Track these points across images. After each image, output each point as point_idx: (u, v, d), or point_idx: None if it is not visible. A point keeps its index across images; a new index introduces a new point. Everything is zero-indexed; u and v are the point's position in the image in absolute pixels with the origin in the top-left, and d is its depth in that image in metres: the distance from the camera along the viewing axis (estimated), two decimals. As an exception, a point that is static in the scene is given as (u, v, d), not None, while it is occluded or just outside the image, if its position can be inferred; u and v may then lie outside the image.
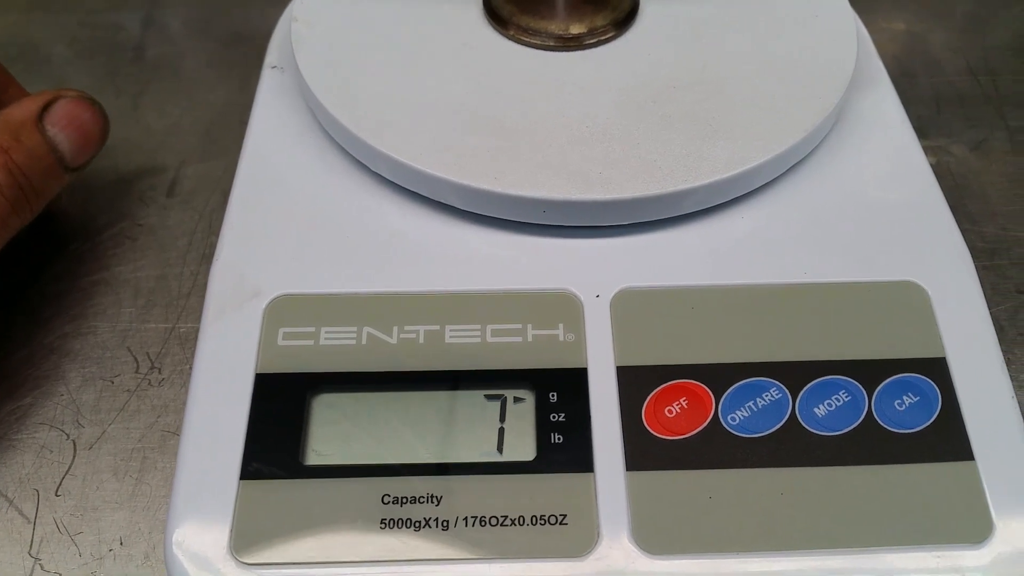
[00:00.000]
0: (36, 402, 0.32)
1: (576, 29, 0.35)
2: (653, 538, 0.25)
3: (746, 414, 0.27)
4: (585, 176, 0.30)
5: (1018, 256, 0.37)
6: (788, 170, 0.32)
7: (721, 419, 0.27)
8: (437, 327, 0.29)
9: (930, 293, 0.30)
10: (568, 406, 0.27)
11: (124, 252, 0.36)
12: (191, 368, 0.29)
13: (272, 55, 0.37)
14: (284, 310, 0.29)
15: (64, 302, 0.35)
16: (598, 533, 0.25)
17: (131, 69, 0.45)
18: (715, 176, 0.30)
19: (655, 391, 0.28)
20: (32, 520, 0.29)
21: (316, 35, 0.35)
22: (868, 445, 0.27)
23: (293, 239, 0.30)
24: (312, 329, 0.29)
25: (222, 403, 0.27)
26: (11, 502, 0.29)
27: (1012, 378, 0.29)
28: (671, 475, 0.26)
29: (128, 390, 0.32)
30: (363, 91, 0.33)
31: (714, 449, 0.26)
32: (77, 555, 0.28)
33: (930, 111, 0.44)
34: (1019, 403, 0.31)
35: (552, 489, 0.26)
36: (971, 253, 0.31)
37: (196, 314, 0.34)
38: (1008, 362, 0.32)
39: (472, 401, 0.28)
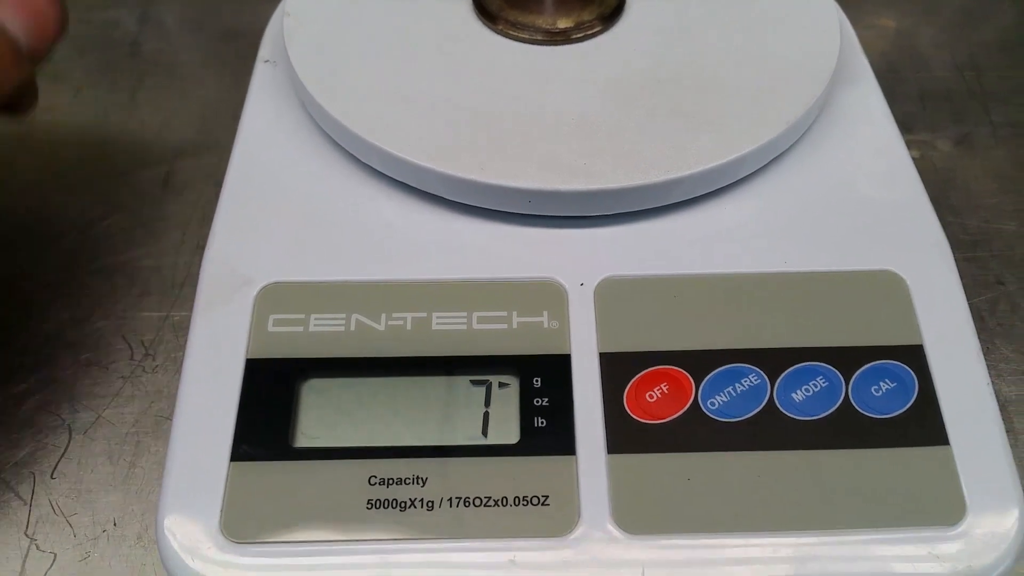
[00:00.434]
0: (33, 388, 0.32)
1: (564, 24, 0.36)
2: (632, 519, 0.26)
3: (725, 399, 0.28)
4: (570, 167, 0.31)
5: (999, 248, 0.37)
6: (771, 161, 0.33)
7: (701, 404, 0.28)
8: (424, 314, 0.29)
9: (908, 282, 0.30)
10: (552, 391, 0.28)
11: (119, 243, 0.37)
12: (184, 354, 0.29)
13: (265, 49, 0.38)
14: (274, 298, 0.29)
15: (60, 291, 0.35)
16: (579, 514, 0.26)
17: (127, 64, 0.46)
18: (698, 167, 0.31)
19: (637, 376, 0.28)
20: (28, 502, 0.30)
21: (308, 30, 0.35)
22: (845, 430, 0.27)
23: (283, 229, 0.31)
24: (302, 316, 0.29)
25: (213, 388, 0.28)
26: (7, 484, 0.30)
27: (991, 367, 0.30)
28: (651, 458, 0.27)
29: (123, 376, 0.33)
30: (353, 84, 0.33)
31: (693, 433, 0.27)
32: (72, 536, 0.29)
33: (916, 106, 0.45)
34: (998, 391, 0.32)
35: (535, 471, 0.27)
36: (954, 245, 0.31)
37: (190, 303, 0.34)
38: (987, 351, 0.32)
39: (458, 386, 0.28)
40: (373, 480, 0.26)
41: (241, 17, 0.48)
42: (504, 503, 0.26)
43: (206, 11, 0.49)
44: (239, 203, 0.32)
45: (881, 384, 0.28)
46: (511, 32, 0.35)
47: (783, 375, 0.28)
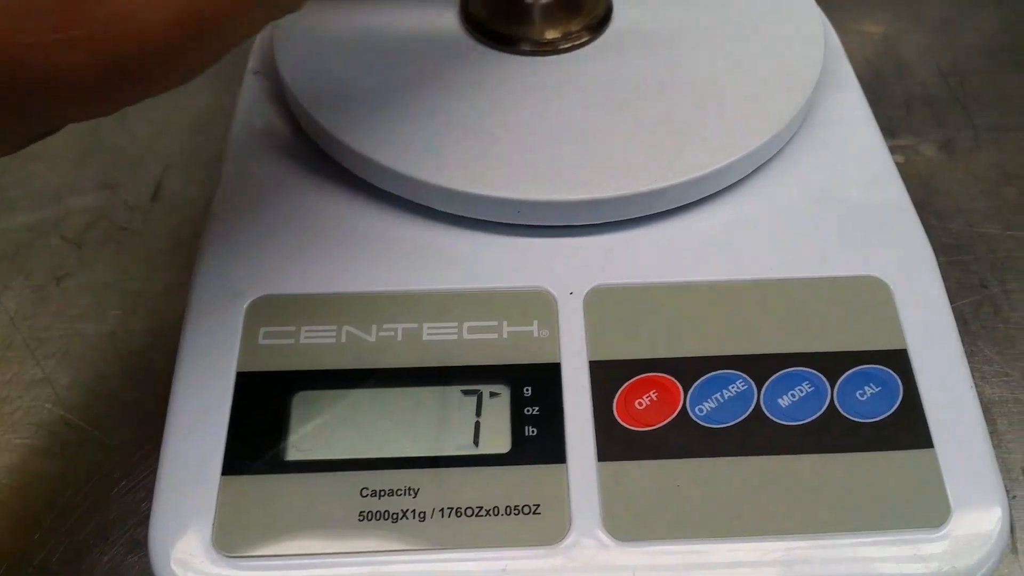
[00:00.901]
0: (24, 404, 0.32)
1: (551, 35, 0.36)
2: (623, 526, 0.26)
3: (713, 405, 0.28)
4: (559, 177, 0.31)
5: (982, 252, 0.38)
6: (756, 169, 0.33)
7: (689, 410, 0.28)
8: (415, 325, 0.30)
9: (892, 288, 0.30)
10: (542, 400, 0.28)
11: (110, 256, 0.37)
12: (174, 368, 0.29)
13: (254, 60, 0.38)
14: (265, 310, 0.30)
15: (49, 305, 0.35)
16: (570, 522, 0.26)
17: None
18: (684, 176, 0.31)
19: (626, 384, 0.28)
20: (21, 518, 0.30)
21: (296, 40, 0.36)
22: (830, 434, 0.28)
23: (274, 241, 0.31)
24: (292, 328, 0.29)
25: (204, 401, 0.28)
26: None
27: (975, 369, 0.30)
28: (641, 465, 0.27)
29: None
30: (343, 95, 0.33)
31: (682, 439, 0.27)
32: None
33: (900, 112, 0.45)
34: (982, 393, 0.32)
35: (526, 480, 0.27)
36: (937, 249, 0.32)
37: (181, 316, 0.35)
38: (971, 354, 0.33)
39: (449, 396, 0.28)
40: (365, 492, 0.27)
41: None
42: (496, 512, 0.26)
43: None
44: (229, 215, 0.32)
45: (866, 388, 0.28)
46: (498, 44, 0.36)
47: (769, 381, 0.28)
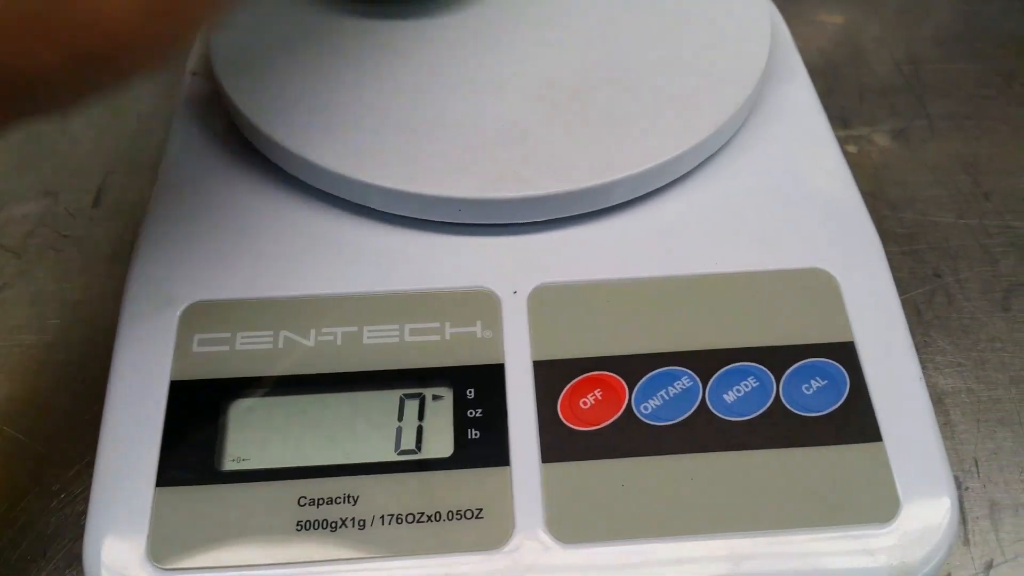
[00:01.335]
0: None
1: None
2: (567, 527, 0.26)
3: (658, 403, 0.27)
4: (500, 174, 0.30)
5: (935, 240, 0.38)
6: (702, 163, 0.33)
7: (634, 408, 0.27)
8: (355, 328, 0.29)
9: (838, 279, 0.30)
10: (486, 402, 0.28)
11: (50, 264, 0.36)
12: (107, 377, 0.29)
13: (192, 62, 0.37)
14: (199, 317, 0.29)
15: (-12, 315, 0.35)
16: (513, 525, 0.26)
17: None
18: (627, 171, 0.31)
19: (570, 384, 0.28)
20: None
21: (233, 41, 0.35)
22: (777, 429, 0.27)
23: (209, 245, 0.31)
24: (228, 335, 0.29)
25: (137, 411, 0.27)
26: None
27: (928, 360, 0.30)
28: (585, 465, 0.27)
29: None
30: (278, 95, 0.33)
31: (627, 438, 0.27)
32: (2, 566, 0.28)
33: (854, 101, 0.45)
34: (935, 383, 0.32)
35: (469, 484, 0.26)
36: (890, 238, 0.31)
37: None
38: (924, 344, 0.32)
39: (391, 400, 0.28)
40: (303, 500, 0.26)
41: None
42: (437, 518, 0.26)
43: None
44: (164, 219, 0.31)
45: (812, 382, 0.28)
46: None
47: (715, 377, 0.28)
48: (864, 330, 0.29)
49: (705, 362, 0.28)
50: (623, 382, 0.28)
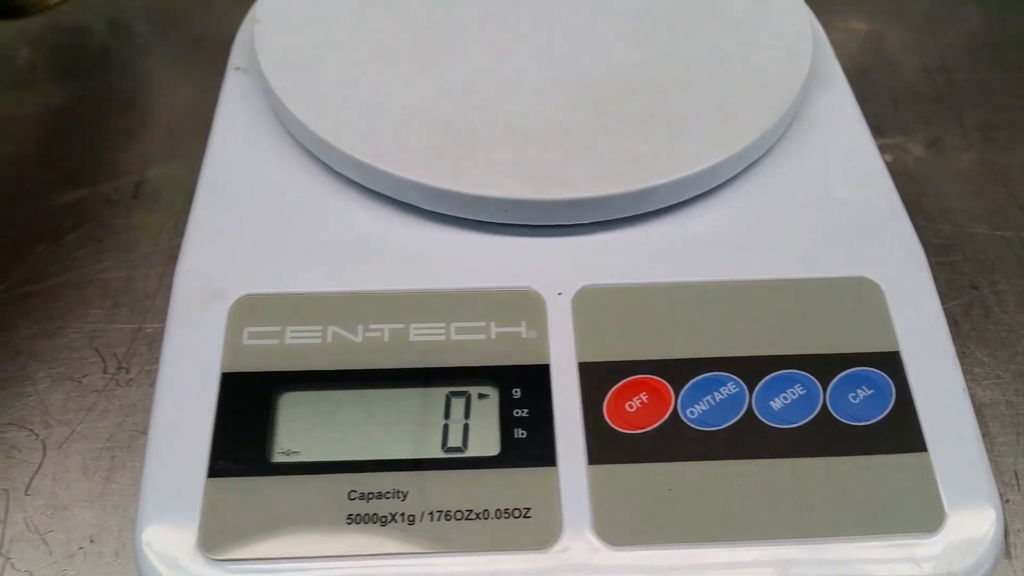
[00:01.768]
0: (4, 402, 0.32)
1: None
2: (614, 530, 0.26)
3: (704, 408, 0.28)
4: (547, 176, 0.31)
5: (971, 252, 0.38)
6: (745, 168, 0.33)
7: (680, 413, 0.28)
8: (402, 325, 0.29)
9: (884, 289, 0.30)
10: (531, 402, 0.28)
11: (90, 253, 0.36)
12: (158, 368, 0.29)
13: (236, 57, 0.37)
14: (249, 310, 0.29)
15: (29, 304, 0.35)
16: (561, 526, 0.26)
17: (94, 71, 0.45)
18: (673, 176, 0.31)
19: (616, 386, 0.28)
20: (2, 519, 0.29)
21: (279, 36, 0.35)
22: (823, 437, 0.27)
23: (257, 239, 0.31)
24: (277, 328, 0.29)
25: (188, 402, 0.27)
26: (-21, 503, 0.30)
27: (966, 371, 0.30)
28: (632, 468, 0.27)
29: (96, 390, 0.32)
30: (326, 92, 0.33)
31: (673, 442, 0.27)
32: (48, 553, 0.29)
33: (887, 109, 0.45)
34: (973, 395, 0.32)
35: (516, 483, 0.27)
36: (927, 249, 0.32)
37: (163, 315, 0.33)
38: (962, 355, 0.33)
39: (437, 398, 0.28)
40: (353, 494, 0.26)
41: (209, 23, 0.48)
42: (486, 516, 0.26)
43: (174, 17, 0.48)
44: (211, 213, 0.32)
45: (858, 391, 0.28)
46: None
47: (761, 383, 0.28)
48: (909, 340, 0.29)
49: (751, 368, 0.28)
50: (669, 386, 0.28)
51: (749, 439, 0.27)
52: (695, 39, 0.36)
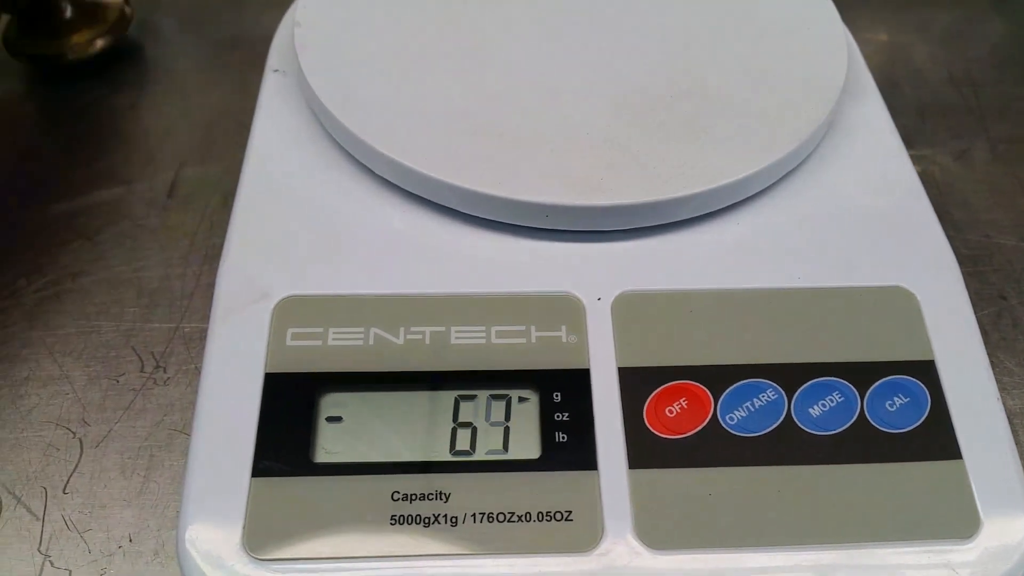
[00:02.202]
0: (42, 401, 0.32)
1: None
2: (656, 534, 0.26)
3: (744, 414, 0.28)
4: (587, 182, 0.31)
5: (1000, 263, 0.38)
6: (781, 177, 0.33)
7: (720, 419, 0.28)
8: (443, 328, 0.29)
9: (919, 298, 0.31)
10: (572, 406, 0.28)
11: (125, 252, 0.37)
12: (198, 368, 0.29)
13: (273, 59, 0.38)
14: (292, 311, 0.29)
15: (65, 301, 0.35)
16: (602, 529, 0.26)
17: (128, 70, 0.45)
18: (712, 184, 0.31)
19: (656, 391, 0.28)
20: (40, 517, 0.29)
21: (319, 39, 0.35)
22: (861, 444, 0.28)
23: (299, 241, 0.31)
24: (320, 330, 0.29)
25: (232, 402, 0.28)
26: (19, 499, 0.30)
27: (996, 380, 0.30)
28: (672, 473, 0.27)
29: (134, 389, 0.32)
30: (367, 95, 0.33)
31: (713, 448, 0.27)
32: (87, 552, 0.29)
33: (914, 121, 0.45)
34: (1004, 405, 0.32)
35: (557, 486, 0.27)
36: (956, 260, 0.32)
37: (200, 314, 0.34)
38: (992, 365, 0.32)
39: (478, 401, 0.28)
40: (396, 495, 0.26)
41: (241, 24, 0.48)
42: (528, 518, 0.26)
43: (205, 18, 0.49)
44: (253, 214, 0.32)
45: (895, 399, 0.28)
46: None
47: (800, 390, 0.28)
48: (944, 349, 0.30)
49: (790, 375, 0.29)
50: (708, 392, 0.28)
51: (788, 445, 0.27)
52: (732, 50, 0.36)
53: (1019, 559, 0.26)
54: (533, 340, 0.29)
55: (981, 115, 0.45)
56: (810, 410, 0.28)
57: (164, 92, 0.44)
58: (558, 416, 0.28)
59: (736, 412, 0.28)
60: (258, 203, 0.32)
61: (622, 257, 0.31)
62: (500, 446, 0.27)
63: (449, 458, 0.27)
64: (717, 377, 0.29)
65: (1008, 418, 0.32)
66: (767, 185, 0.33)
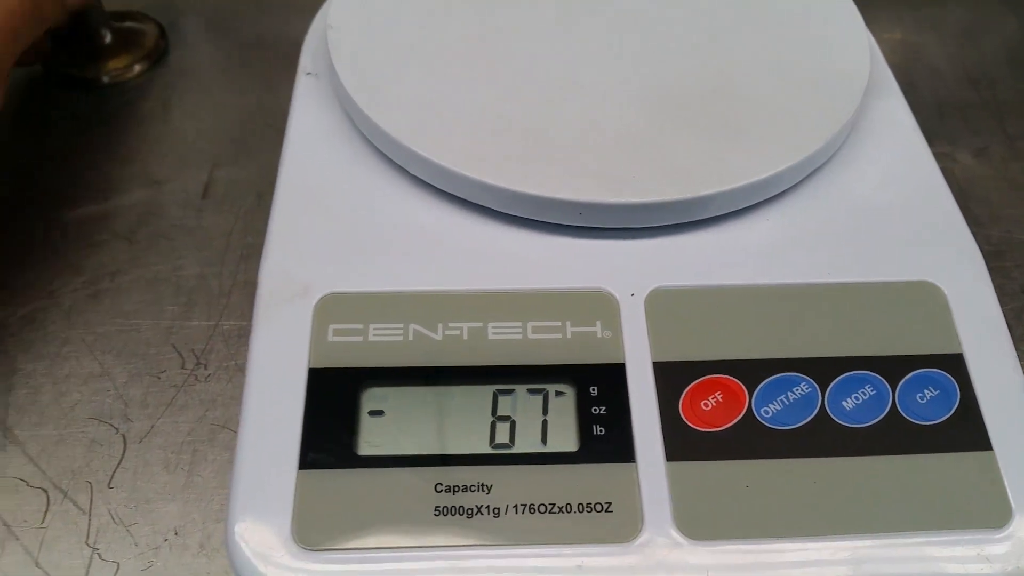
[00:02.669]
0: (84, 398, 0.33)
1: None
2: (695, 524, 0.27)
3: (778, 407, 0.28)
4: (619, 180, 0.31)
5: (1021, 258, 0.39)
6: (808, 175, 0.34)
7: (755, 412, 0.28)
8: (480, 324, 0.30)
9: (946, 292, 0.31)
10: (608, 400, 0.29)
11: (162, 251, 0.37)
12: (238, 364, 0.30)
13: (305, 61, 0.38)
14: (333, 308, 0.30)
15: (104, 300, 0.36)
16: (642, 520, 0.27)
17: (158, 73, 0.46)
18: (742, 181, 0.32)
19: (691, 385, 0.29)
20: (87, 511, 0.30)
21: (351, 43, 0.36)
22: (893, 436, 0.28)
23: (338, 240, 0.32)
24: (360, 326, 0.30)
25: (278, 397, 0.28)
26: (65, 494, 0.30)
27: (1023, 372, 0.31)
28: (709, 465, 0.28)
29: (175, 385, 0.33)
30: (401, 97, 0.34)
31: (749, 440, 0.28)
32: (133, 545, 0.29)
33: (932, 119, 0.46)
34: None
35: (596, 479, 0.27)
36: (978, 256, 0.32)
37: (238, 312, 0.35)
38: (1018, 357, 0.33)
39: (515, 395, 0.29)
40: (439, 487, 0.27)
41: (265, 27, 0.49)
42: (568, 509, 0.27)
43: (230, 22, 0.49)
44: (291, 214, 0.32)
45: (925, 392, 0.29)
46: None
47: (833, 384, 0.29)
48: (972, 343, 0.30)
49: (822, 369, 0.29)
50: (743, 386, 0.29)
51: (823, 438, 0.28)
52: (757, 49, 0.36)
53: (1051, 547, 0.27)
54: (568, 335, 0.30)
55: (999, 112, 0.46)
56: (843, 403, 0.29)
57: (193, 94, 0.44)
58: (595, 410, 0.28)
59: (771, 405, 0.28)
60: (296, 203, 0.33)
61: (654, 253, 0.32)
62: (539, 439, 0.28)
63: (489, 451, 0.28)
64: (751, 371, 0.29)
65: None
66: (795, 182, 0.33)
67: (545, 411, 0.29)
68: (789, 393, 0.29)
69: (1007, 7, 0.54)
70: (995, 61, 0.50)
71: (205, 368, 0.33)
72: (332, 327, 0.30)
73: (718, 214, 0.32)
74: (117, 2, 0.48)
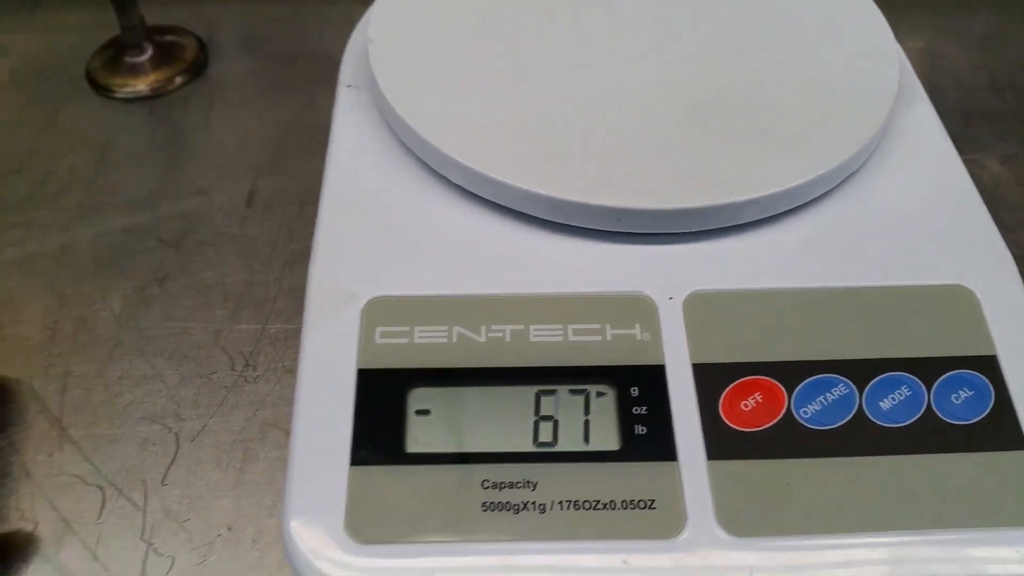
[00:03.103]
0: (136, 399, 0.34)
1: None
2: (737, 521, 0.27)
3: (817, 408, 0.29)
4: (656, 186, 0.32)
5: (1051, 262, 0.39)
6: (840, 181, 0.35)
7: (794, 412, 0.29)
8: (522, 327, 0.31)
9: (979, 296, 0.32)
10: (649, 400, 0.29)
11: (209, 258, 0.38)
12: (286, 366, 0.31)
13: (345, 74, 0.39)
14: (380, 311, 0.31)
15: (154, 305, 0.37)
16: (685, 516, 0.27)
17: (198, 86, 0.47)
18: (777, 187, 0.32)
19: (730, 386, 0.30)
20: (142, 508, 0.31)
21: (392, 55, 0.37)
22: (929, 436, 0.29)
23: (383, 246, 0.32)
24: (407, 328, 0.31)
25: (329, 396, 0.29)
26: (120, 491, 0.31)
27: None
28: (750, 464, 0.28)
29: (225, 386, 0.34)
30: (442, 107, 0.35)
31: (789, 440, 0.29)
32: (188, 540, 0.30)
33: (959, 126, 0.46)
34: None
35: (639, 476, 0.28)
36: (1007, 261, 0.33)
37: (284, 316, 0.36)
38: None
39: (557, 395, 0.30)
40: (486, 484, 0.28)
41: (301, 41, 0.50)
42: (612, 506, 0.27)
43: (267, 36, 0.50)
44: (337, 222, 0.33)
45: (960, 392, 0.30)
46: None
47: (870, 385, 0.30)
48: (1005, 344, 0.31)
49: (860, 370, 0.30)
50: (782, 387, 0.30)
51: (861, 438, 0.29)
52: (788, 57, 0.37)
53: (1087, 545, 0.27)
54: (608, 337, 0.31)
55: (1026, 120, 0.46)
56: (880, 403, 0.29)
57: (233, 106, 0.46)
58: (636, 410, 0.29)
59: (810, 406, 0.29)
60: (341, 211, 0.34)
61: (691, 258, 0.33)
62: (581, 438, 0.29)
63: (533, 449, 0.29)
64: (789, 372, 0.30)
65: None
66: (828, 188, 0.34)
67: (587, 411, 0.29)
68: (827, 394, 0.29)
69: (1030, 15, 0.54)
70: (1020, 68, 0.50)
71: (254, 370, 0.34)
72: (379, 329, 0.30)
73: (753, 219, 0.33)
74: (157, 16, 0.50)
